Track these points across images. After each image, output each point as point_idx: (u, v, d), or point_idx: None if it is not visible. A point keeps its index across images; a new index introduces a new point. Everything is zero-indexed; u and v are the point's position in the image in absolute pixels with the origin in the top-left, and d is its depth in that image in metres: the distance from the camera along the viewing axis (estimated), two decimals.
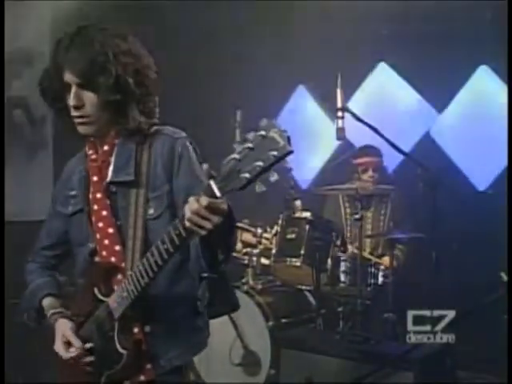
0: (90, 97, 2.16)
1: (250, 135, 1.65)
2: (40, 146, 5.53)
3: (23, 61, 5.29)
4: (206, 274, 2.19)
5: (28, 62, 5.34)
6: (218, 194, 1.72)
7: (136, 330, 2.16)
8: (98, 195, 2.26)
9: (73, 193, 2.35)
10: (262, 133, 1.63)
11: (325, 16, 5.58)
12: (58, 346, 2.27)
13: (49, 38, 5.46)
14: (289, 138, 1.62)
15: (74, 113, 2.19)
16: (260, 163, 1.62)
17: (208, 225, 1.78)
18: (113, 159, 2.26)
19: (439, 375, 3.93)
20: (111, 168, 2.26)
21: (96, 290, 2.22)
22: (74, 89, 2.16)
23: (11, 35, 5.16)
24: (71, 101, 2.17)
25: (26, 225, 5.15)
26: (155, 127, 2.30)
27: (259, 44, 5.91)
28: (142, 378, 2.18)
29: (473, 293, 4.67)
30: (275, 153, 1.61)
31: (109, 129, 2.24)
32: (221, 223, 1.82)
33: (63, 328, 2.28)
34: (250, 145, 1.64)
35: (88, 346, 2.22)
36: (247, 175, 1.64)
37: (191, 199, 1.78)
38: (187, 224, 1.81)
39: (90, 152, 2.32)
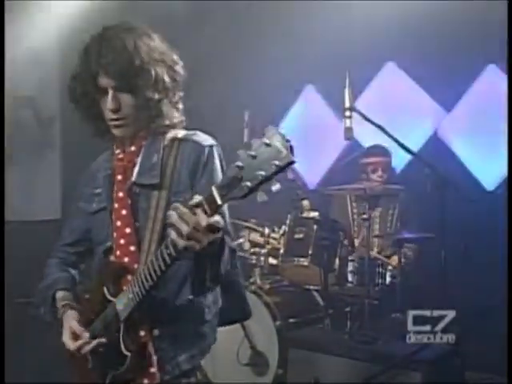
0: (127, 98, 2.17)
1: (254, 142, 1.64)
2: (48, 146, 5.55)
3: (31, 61, 5.30)
4: (190, 297, 2.20)
5: (36, 62, 5.35)
6: (219, 201, 1.71)
7: (143, 333, 2.15)
8: (120, 194, 2.27)
9: (97, 191, 2.36)
10: (266, 141, 1.62)
11: (333, 15, 5.57)
12: (65, 338, 2.25)
13: (56, 38, 5.47)
14: (291, 148, 1.61)
15: (111, 116, 2.19)
16: (262, 172, 1.61)
17: (205, 240, 1.79)
18: (139, 160, 2.27)
19: (447, 375, 3.93)
20: (137, 169, 2.26)
21: (105, 290, 2.22)
22: (110, 92, 2.16)
23: (19, 35, 5.17)
24: (109, 104, 2.16)
25: (32, 224, 5.18)
26: (185, 132, 2.30)
27: (267, 44, 5.91)
28: (146, 381, 2.17)
29: (482, 293, 4.66)
30: (277, 162, 1.60)
31: (143, 129, 2.25)
32: (213, 246, 1.86)
33: (70, 320, 2.27)
34: (253, 153, 1.63)
35: (95, 341, 2.21)
36: (249, 184, 1.63)
37: (185, 212, 1.78)
38: (182, 243, 1.80)
39: (118, 151, 2.33)
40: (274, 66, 5.99)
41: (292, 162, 1.60)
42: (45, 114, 5.51)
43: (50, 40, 5.42)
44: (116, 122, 2.21)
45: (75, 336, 2.23)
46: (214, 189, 1.71)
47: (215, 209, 1.74)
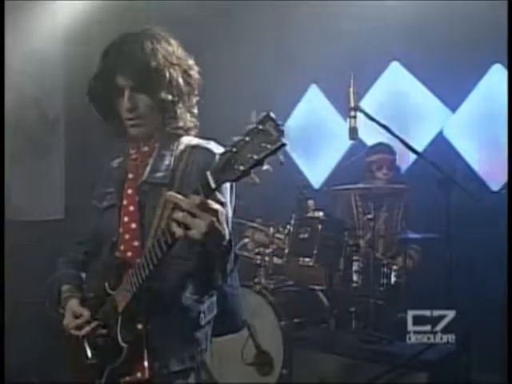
0: (143, 99, 2.25)
1: (248, 128, 1.67)
2: (52, 147, 5.56)
3: (36, 61, 5.31)
4: (195, 297, 2.23)
5: (41, 62, 5.36)
6: (213, 185, 1.74)
7: (140, 325, 2.18)
8: (130, 191, 2.33)
9: (110, 190, 2.42)
10: (259, 126, 1.65)
11: (337, 15, 5.57)
12: (67, 319, 2.31)
13: (62, 38, 5.49)
14: (283, 132, 1.64)
15: (127, 115, 2.27)
16: (254, 155, 1.64)
17: (202, 225, 1.79)
18: (151, 161, 2.33)
19: (453, 376, 3.92)
20: (148, 168, 2.32)
21: (106, 284, 2.26)
22: (127, 92, 2.24)
23: (25, 36, 5.18)
24: (125, 103, 2.25)
25: (36, 224, 5.19)
26: (198, 140, 2.35)
27: (271, 44, 5.91)
28: (139, 375, 2.19)
29: (487, 293, 4.65)
30: (269, 146, 1.63)
31: (158, 130, 2.32)
32: (218, 243, 1.88)
33: (71, 304, 2.34)
34: (246, 137, 1.66)
35: (95, 323, 2.25)
36: (241, 167, 1.66)
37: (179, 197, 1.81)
38: (175, 229, 1.82)
39: (132, 151, 2.40)
40: (277, 65, 5.99)
41: (283, 145, 1.63)
42: (49, 114, 5.52)
43: (55, 40, 5.43)
44: (132, 122, 2.28)
45: (76, 316, 2.29)
46: (208, 173, 1.75)
47: (209, 192, 1.77)
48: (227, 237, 1.91)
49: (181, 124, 2.31)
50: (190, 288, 2.24)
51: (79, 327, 2.26)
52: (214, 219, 1.81)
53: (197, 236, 1.80)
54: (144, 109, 2.26)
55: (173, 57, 2.27)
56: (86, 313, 2.26)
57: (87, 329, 2.25)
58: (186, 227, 1.80)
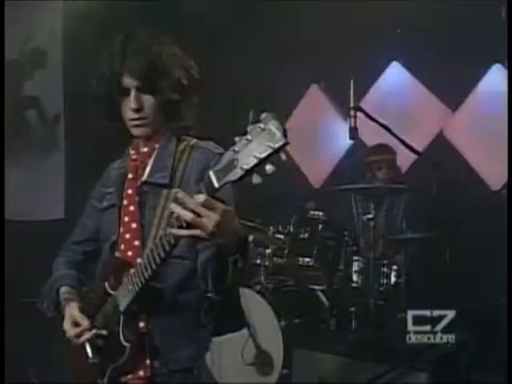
0: (148, 99, 2.27)
1: (250, 128, 1.68)
2: (52, 146, 5.55)
3: (36, 61, 5.32)
4: (210, 294, 2.21)
5: (41, 62, 5.36)
6: (216, 184, 1.74)
7: (142, 324, 2.19)
8: (130, 191, 2.34)
9: (110, 190, 2.43)
10: (261, 125, 1.65)
11: (338, 15, 5.57)
12: (66, 325, 2.31)
13: (61, 38, 5.49)
14: (285, 130, 1.64)
15: (133, 115, 2.28)
16: (256, 154, 1.64)
17: (208, 224, 1.80)
18: (151, 161, 2.35)
19: (453, 376, 3.92)
20: (148, 169, 2.34)
21: (106, 284, 2.26)
22: (133, 92, 2.25)
23: (24, 36, 5.19)
24: (131, 104, 2.25)
25: (36, 224, 5.19)
26: (197, 140, 2.37)
27: (272, 43, 5.91)
28: (142, 373, 2.21)
29: (487, 293, 4.65)
30: (271, 144, 1.63)
31: (159, 130, 2.34)
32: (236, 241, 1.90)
33: (72, 309, 2.33)
34: (248, 137, 1.67)
35: (94, 331, 2.25)
36: (244, 166, 1.67)
37: (184, 196, 1.81)
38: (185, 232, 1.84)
39: (132, 152, 2.41)
40: (278, 65, 5.98)
41: (285, 144, 1.63)
42: (49, 113, 5.52)
43: (55, 40, 5.43)
44: (137, 122, 2.29)
45: (76, 324, 2.28)
46: (211, 172, 1.76)
47: (212, 192, 1.78)
48: (241, 235, 1.93)
49: (183, 123, 2.33)
50: (194, 287, 2.24)
51: (78, 335, 2.26)
52: (221, 218, 1.81)
53: (203, 235, 1.82)
54: (149, 109, 2.27)
55: (176, 57, 2.30)
56: (86, 322, 2.26)
57: (86, 336, 2.25)
58: (192, 227, 1.81)
